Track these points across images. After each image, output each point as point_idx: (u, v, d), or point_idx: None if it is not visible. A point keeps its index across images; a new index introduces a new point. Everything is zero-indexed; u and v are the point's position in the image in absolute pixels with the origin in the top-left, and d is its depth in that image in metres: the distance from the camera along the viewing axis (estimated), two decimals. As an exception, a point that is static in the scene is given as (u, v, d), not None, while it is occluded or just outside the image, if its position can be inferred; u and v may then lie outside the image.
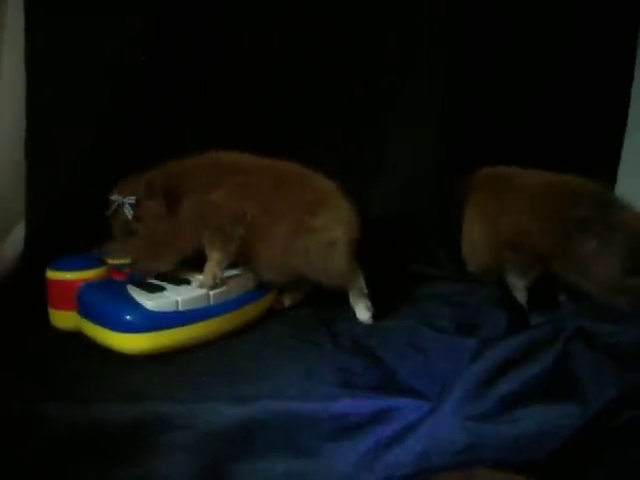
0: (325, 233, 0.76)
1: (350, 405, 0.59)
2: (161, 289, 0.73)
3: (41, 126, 0.92)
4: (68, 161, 0.93)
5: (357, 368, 0.66)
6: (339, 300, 0.86)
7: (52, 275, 0.75)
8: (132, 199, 0.76)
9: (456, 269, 0.94)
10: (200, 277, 0.76)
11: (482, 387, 0.59)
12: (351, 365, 0.67)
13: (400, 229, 0.93)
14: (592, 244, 0.73)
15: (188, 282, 0.76)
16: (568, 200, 0.77)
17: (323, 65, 0.98)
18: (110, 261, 0.80)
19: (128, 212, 0.76)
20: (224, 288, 0.76)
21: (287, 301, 0.86)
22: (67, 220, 0.91)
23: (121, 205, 0.76)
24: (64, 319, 0.75)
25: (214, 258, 0.77)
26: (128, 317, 0.69)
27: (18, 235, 0.92)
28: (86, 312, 0.73)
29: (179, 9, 0.93)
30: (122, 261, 0.81)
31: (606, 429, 0.57)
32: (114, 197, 0.77)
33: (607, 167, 0.95)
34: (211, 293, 0.74)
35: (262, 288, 0.81)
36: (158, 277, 0.77)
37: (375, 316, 0.80)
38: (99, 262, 0.78)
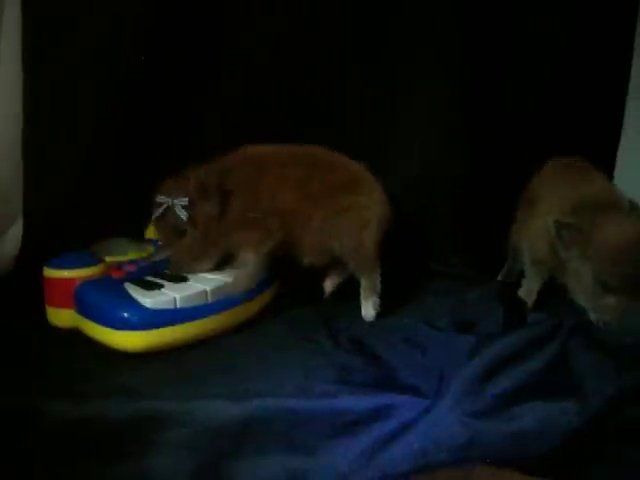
0: (358, 212, 0.78)
1: (349, 402, 0.59)
2: (159, 286, 0.73)
3: (38, 125, 0.91)
4: (66, 159, 0.93)
5: (356, 365, 0.66)
6: (338, 298, 0.86)
7: (49, 273, 0.75)
8: (185, 201, 0.74)
9: (459, 265, 0.94)
10: (229, 280, 0.76)
11: (480, 384, 0.59)
12: (350, 362, 0.67)
13: (405, 226, 0.93)
14: (568, 254, 0.72)
15: (186, 279, 0.76)
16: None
17: (326, 60, 0.98)
18: (108, 259, 0.80)
19: (182, 214, 0.74)
20: (222, 285, 0.76)
21: (329, 286, 0.87)
22: (65, 218, 0.91)
23: (171, 207, 0.74)
24: (62, 317, 0.75)
25: (249, 260, 0.77)
26: (125, 314, 0.68)
27: (16, 233, 0.92)
28: (84, 310, 0.72)
29: (180, 7, 0.93)
30: (121, 258, 0.81)
31: (606, 427, 0.57)
32: (162, 199, 0.75)
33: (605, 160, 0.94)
34: (209, 290, 0.74)
35: (261, 285, 0.81)
36: (156, 275, 0.76)
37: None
38: (97, 260, 0.78)
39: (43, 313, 0.77)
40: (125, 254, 0.83)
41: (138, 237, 0.89)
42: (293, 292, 0.82)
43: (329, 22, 0.97)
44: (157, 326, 0.69)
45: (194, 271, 0.77)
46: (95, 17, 0.90)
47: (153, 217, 0.76)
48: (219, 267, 0.79)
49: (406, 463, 0.55)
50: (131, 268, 0.78)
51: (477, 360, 0.62)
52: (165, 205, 0.75)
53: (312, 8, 0.96)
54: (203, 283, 0.75)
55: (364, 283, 0.81)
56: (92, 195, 0.92)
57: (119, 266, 0.79)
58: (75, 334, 0.73)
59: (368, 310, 0.80)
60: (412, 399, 0.59)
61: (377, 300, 0.80)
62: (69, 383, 0.63)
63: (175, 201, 0.74)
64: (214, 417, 0.57)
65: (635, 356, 0.65)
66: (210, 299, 0.74)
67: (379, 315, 0.80)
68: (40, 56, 0.90)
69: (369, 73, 0.99)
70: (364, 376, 0.64)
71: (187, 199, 0.74)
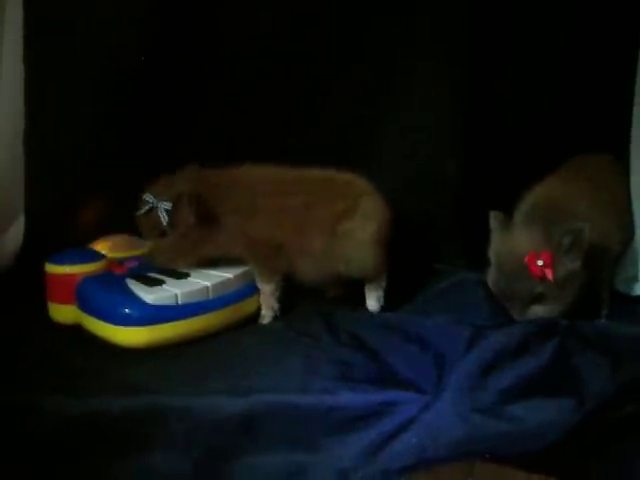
0: (358, 234, 0.78)
1: (349, 398, 0.59)
2: (160, 282, 0.73)
3: (40, 122, 0.92)
4: (67, 157, 0.93)
5: (355, 361, 0.67)
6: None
7: (51, 269, 0.76)
8: (168, 205, 0.75)
9: (464, 265, 0.94)
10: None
11: (479, 380, 0.59)
12: (350, 358, 0.67)
13: (408, 226, 0.93)
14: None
15: (187, 275, 0.76)
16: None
17: (325, 60, 0.98)
18: (109, 255, 0.80)
19: (163, 217, 0.75)
20: (224, 281, 0.76)
21: (331, 294, 0.88)
22: (66, 215, 0.91)
23: (155, 208, 0.76)
24: (63, 313, 0.76)
25: (267, 290, 0.79)
26: (127, 310, 0.69)
27: (18, 229, 0.92)
28: (85, 305, 0.73)
29: (179, 10, 0.93)
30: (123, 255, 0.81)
31: (604, 423, 0.57)
32: (148, 198, 0.77)
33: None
34: (210, 287, 0.74)
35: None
36: (158, 271, 0.77)
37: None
38: (98, 256, 0.78)
39: (45, 309, 0.77)
40: (126, 251, 0.84)
41: (139, 234, 0.89)
42: (293, 288, 0.82)
43: (328, 21, 0.97)
44: (158, 322, 0.69)
45: (166, 267, 0.78)
46: (96, 16, 0.90)
47: (137, 213, 0.78)
48: (219, 265, 0.79)
49: (406, 459, 0.55)
50: (133, 264, 0.79)
51: (475, 356, 0.62)
52: (150, 205, 0.76)
53: (311, 5, 0.96)
54: (204, 279, 0.75)
55: (369, 282, 0.82)
56: (93, 192, 0.93)
57: (121, 262, 0.79)
58: (77, 330, 0.73)
59: (372, 303, 0.82)
60: (412, 395, 0.59)
61: (382, 294, 0.82)
62: (70, 379, 0.63)
63: (159, 203, 0.76)
64: (215, 412, 0.57)
65: (631, 353, 0.65)
66: (211, 295, 0.74)
67: (380, 310, 0.81)
68: (42, 55, 0.90)
69: (369, 73, 0.98)
70: (364, 372, 0.64)
71: (171, 204, 0.75)
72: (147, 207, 0.77)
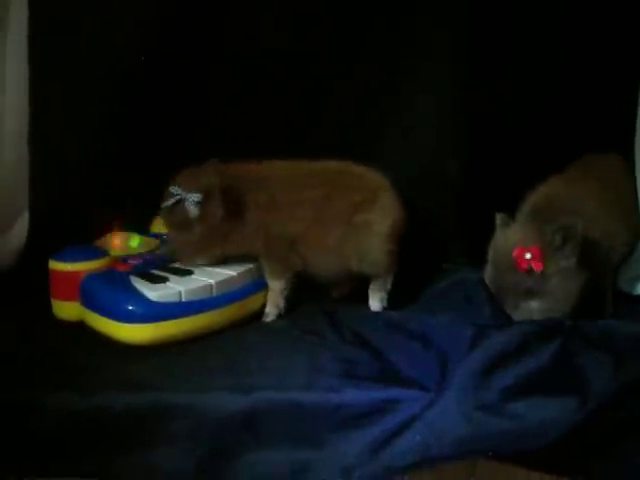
0: (373, 228, 0.78)
1: (353, 396, 0.59)
2: (164, 280, 0.73)
3: (44, 121, 0.92)
4: (71, 154, 0.93)
5: (359, 359, 0.67)
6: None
7: (55, 266, 0.76)
8: (198, 197, 0.74)
9: (466, 264, 0.94)
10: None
11: (482, 378, 0.59)
12: (353, 356, 0.67)
13: (407, 223, 0.93)
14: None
15: (191, 273, 0.76)
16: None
17: (326, 59, 0.98)
18: (113, 252, 0.80)
19: (193, 209, 0.74)
20: (228, 279, 0.76)
21: (336, 294, 0.88)
22: (70, 212, 0.92)
23: (183, 200, 0.74)
24: (67, 310, 0.76)
25: (276, 288, 0.79)
26: (131, 307, 0.69)
27: (21, 226, 0.92)
28: (89, 303, 0.73)
29: (182, 10, 0.93)
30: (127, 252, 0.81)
31: (608, 422, 0.57)
32: (174, 190, 0.75)
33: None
34: (214, 284, 0.74)
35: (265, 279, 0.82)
36: (162, 268, 0.77)
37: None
38: (102, 253, 0.78)
39: (48, 306, 0.77)
40: (130, 248, 0.84)
41: (143, 231, 0.90)
42: (297, 286, 0.82)
43: (331, 21, 0.97)
44: (162, 319, 0.69)
45: (192, 264, 0.78)
46: (100, 17, 0.90)
47: (163, 205, 0.76)
48: (224, 262, 0.79)
49: (410, 456, 0.55)
50: (137, 261, 0.79)
51: (479, 354, 0.62)
52: (177, 197, 0.75)
53: (313, 5, 0.96)
54: (208, 276, 0.75)
55: (375, 280, 0.82)
56: (97, 189, 0.93)
57: (125, 259, 0.79)
58: (80, 327, 0.74)
59: (375, 303, 0.82)
60: (416, 393, 0.59)
61: (385, 295, 0.82)
62: (74, 376, 0.63)
63: (188, 195, 0.74)
64: (219, 409, 0.58)
65: (634, 352, 0.65)
66: (215, 292, 0.74)
67: (384, 309, 0.81)
68: (46, 54, 0.90)
69: (371, 72, 0.99)
70: (368, 370, 0.64)
71: (201, 195, 0.74)
72: (174, 199, 0.75)
